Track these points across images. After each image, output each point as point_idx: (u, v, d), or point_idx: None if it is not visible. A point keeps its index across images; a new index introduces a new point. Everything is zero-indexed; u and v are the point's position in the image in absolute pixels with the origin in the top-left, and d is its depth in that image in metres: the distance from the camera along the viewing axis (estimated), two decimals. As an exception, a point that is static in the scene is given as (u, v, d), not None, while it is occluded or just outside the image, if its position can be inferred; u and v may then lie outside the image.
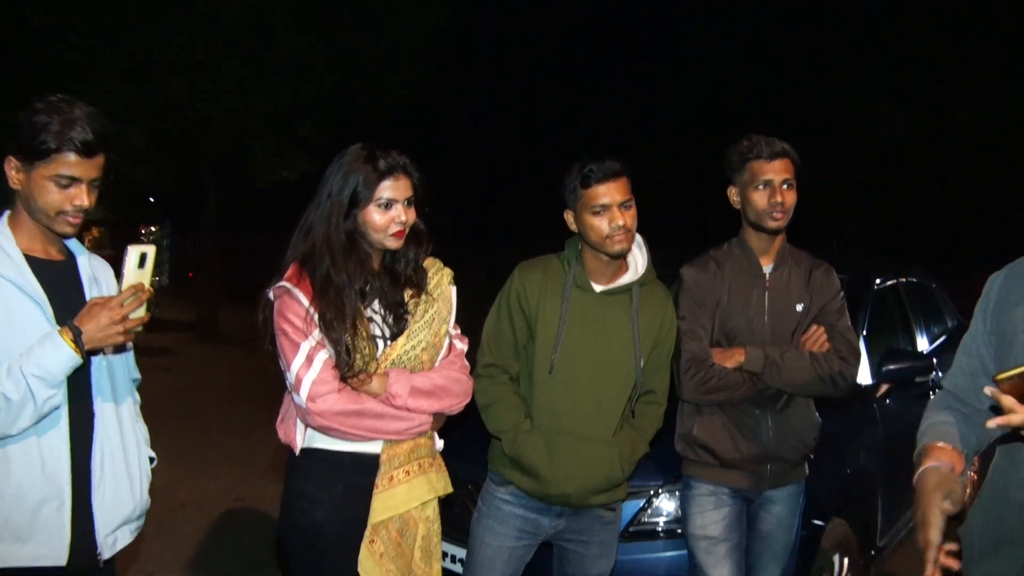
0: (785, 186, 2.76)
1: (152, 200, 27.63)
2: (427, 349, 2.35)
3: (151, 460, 2.27)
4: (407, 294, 2.37)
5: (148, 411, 2.44)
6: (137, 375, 2.31)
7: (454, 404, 2.40)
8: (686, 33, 16.88)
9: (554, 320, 2.59)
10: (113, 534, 2.11)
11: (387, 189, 2.25)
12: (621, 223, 2.51)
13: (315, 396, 2.16)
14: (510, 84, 19.47)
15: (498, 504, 2.68)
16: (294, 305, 2.21)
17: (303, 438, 2.31)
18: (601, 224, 2.52)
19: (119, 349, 2.09)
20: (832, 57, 15.40)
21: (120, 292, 1.93)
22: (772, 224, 2.78)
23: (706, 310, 2.81)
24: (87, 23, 11.34)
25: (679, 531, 3.00)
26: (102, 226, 24.70)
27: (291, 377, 2.19)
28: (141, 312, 1.95)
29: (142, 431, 2.25)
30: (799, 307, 2.83)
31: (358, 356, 2.21)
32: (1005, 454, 1.70)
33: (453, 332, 2.48)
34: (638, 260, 2.68)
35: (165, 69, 11.75)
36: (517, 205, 19.04)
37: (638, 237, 2.67)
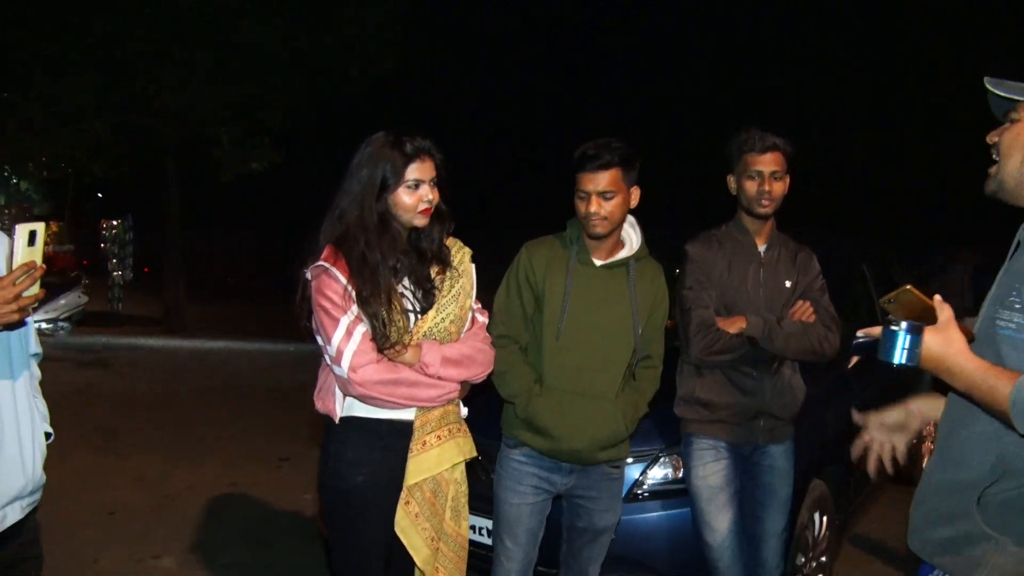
0: (773, 177, 3.09)
1: (100, 196, 27.23)
2: (455, 322, 2.55)
3: (47, 436, 2.20)
4: (434, 271, 2.56)
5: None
6: (37, 350, 2.22)
7: (480, 372, 2.62)
8: (672, 21, 17.05)
9: (560, 292, 2.83)
10: (2, 510, 2.00)
11: (415, 171, 2.43)
12: (594, 210, 2.76)
13: (356, 367, 2.33)
14: (483, 68, 19.56)
15: (514, 466, 2.91)
16: (332, 283, 2.37)
17: (342, 407, 2.48)
18: (581, 207, 2.80)
19: (15, 326, 2.02)
20: (830, 52, 15.66)
21: (11, 271, 1.87)
22: (760, 210, 3.11)
23: (711, 280, 3.14)
24: (51, 16, 11.23)
25: (678, 491, 3.27)
26: (60, 221, 24.39)
27: (332, 350, 2.36)
28: (35, 289, 1.89)
29: (40, 407, 2.18)
30: (788, 284, 3.18)
31: (393, 329, 2.39)
32: (950, 400, 1.94)
33: (475, 306, 2.68)
34: (632, 238, 2.94)
35: (130, 60, 11.68)
36: (496, 190, 19.14)
37: (631, 218, 2.94)
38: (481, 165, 20.89)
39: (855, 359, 4.36)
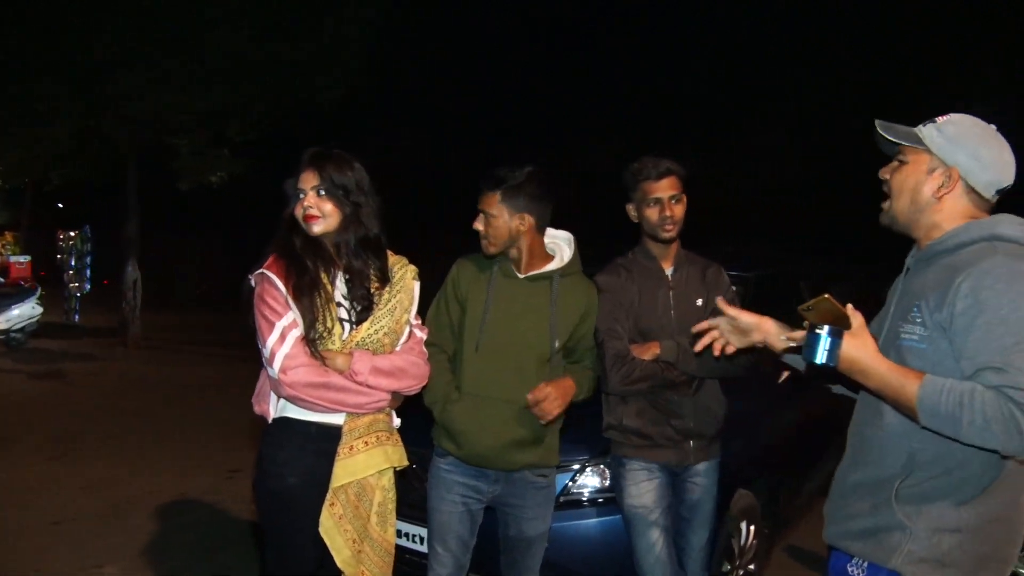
0: (673, 201, 3.21)
1: (60, 206, 26.91)
2: (388, 334, 2.67)
3: None
4: (373, 285, 2.68)
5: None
6: None
7: (412, 385, 2.74)
8: (626, 33, 17.18)
9: (481, 304, 2.98)
10: None
11: (299, 181, 2.62)
12: (480, 227, 2.96)
13: (287, 368, 2.46)
14: (448, 80, 19.67)
15: (442, 474, 3.04)
16: (272, 289, 2.52)
17: (275, 409, 2.61)
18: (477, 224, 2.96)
19: None
20: (782, 61, 15.82)
21: None
22: (665, 235, 3.22)
23: (622, 309, 3.21)
24: (19, 20, 11.18)
25: (604, 500, 3.41)
26: (16, 231, 24.08)
27: (266, 352, 2.49)
28: None
29: None
30: (699, 302, 3.27)
31: (325, 332, 2.53)
32: (860, 398, 2.17)
33: (414, 322, 2.80)
34: (564, 252, 3.06)
35: (98, 66, 11.64)
36: (456, 201, 19.23)
37: (566, 234, 3.11)
38: (454, 173, 20.95)
39: (786, 373, 4.53)
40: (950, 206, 2.01)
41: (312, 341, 2.51)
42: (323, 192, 2.59)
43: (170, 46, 11.66)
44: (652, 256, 3.29)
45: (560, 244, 3.09)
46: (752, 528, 3.99)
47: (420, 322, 2.86)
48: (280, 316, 2.49)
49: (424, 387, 2.91)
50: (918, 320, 1.92)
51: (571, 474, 3.46)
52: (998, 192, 2.03)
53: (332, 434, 2.59)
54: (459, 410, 2.95)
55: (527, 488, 3.02)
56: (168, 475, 6.29)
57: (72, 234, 16.58)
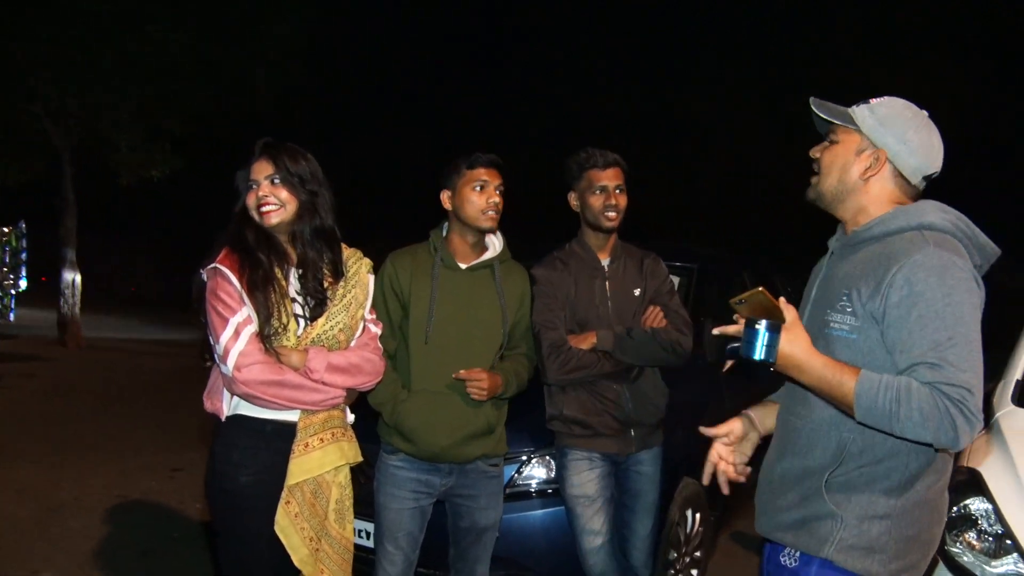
0: (617, 191, 3.29)
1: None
2: (344, 330, 2.64)
3: None
4: (327, 280, 2.66)
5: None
6: None
7: (367, 381, 2.72)
8: (550, 35, 17.21)
9: (426, 296, 2.98)
10: None
11: (252, 172, 2.60)
12: (496, 200, 2.97)
13: (241, 366, 2.42)
14: (392, 78, 19.54)
15: (392, 471, 3.03)
16: (225, 284, 2.47)
17: (229, 406, 2.57)
18: (479, 199, 2.96)
19: None
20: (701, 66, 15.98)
21: None
22: (607, 224, 3.29)
23: (558, 301, 3.27)
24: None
25: (550, 491, 3.44)
26: (-55, 227, 23.27)
27: (220, 349, 2.45)
28: None
29: None
30: (636, 292, 3.34)
31: (280, 328, 2.51)
32: (786, 387, 2.20)
33: (369, 317, 2.78)
34: (495, 242, 3.12)
35: (25, 59, 11.34)
36: (391, 200, 19.13)
37: None
38: (398, 173, 20.89)
39: (730, 363, 4.62)
40: (877, 189, 2.02)
41: (267, 338, 2.49)
42: (277, 180, 2.58)
43: (103, 40, 11.38)
44: (589, 247, 3.35)
45: (489, 235, 3.14)
46: (698, 516, 4.06)
47: (375, 316, 2.85)
48: (234, 312, 2.45)
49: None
50: (848, 310, 1.92)
51: (517, 465, 3.49)
52: (925, 179, 2.03)
53: (287, 431, 2.56)
54: (411, 408, 2.95)
55: (480, 478, 3.05)
56: (108, 477, 6.16)
57: (5, 230, 16.09)
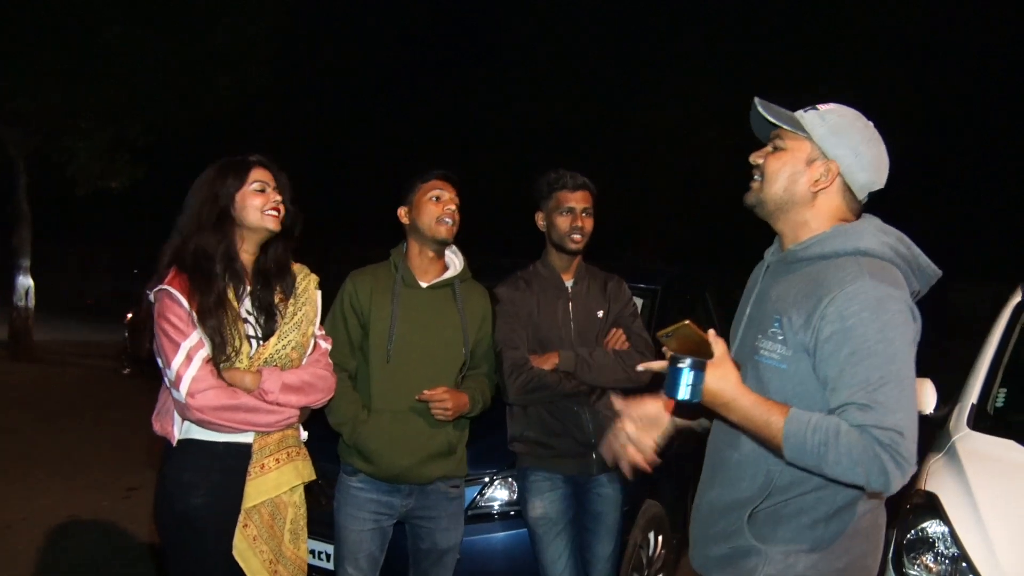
0: (584, 214, 3.33)
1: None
2: (296, 348, 2.63)
3: None
4: (277, 297, 2.64)
5: None
6: None
7: (320, 398, 2.71)
8: (517, 44, 17.23)
9: (386, 315, 2.99)
10: None
11: (258, 174, 2.62)
12: (452, 208, 3.03)
13: (194, 392, 2.39)
14: (351, 85, 19.47)
15: (353, 492, 3.03)
16: (174, 306, 2.43)
17: (180, 430, 2.52)
18: (436, 208, 3.01)
19: None
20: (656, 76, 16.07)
21: None
22: (572, 246, 3.32)
23: (520, 321, 3.29)
24: None
25: (511, 513, 3.45)
26: None
27: (171, 374, 2.40)
28: None
29: None
30: (599, 314, 3.37)
31: (233, 352, 2.47)
32: (716, 424, 2.17)
33: (319, 333, 2.77)
34: (455, 262, 3.16)
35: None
36: (372, 207, 19.02)
37: (453, 246, 3.18)
38: (360, 182, 20.79)
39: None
40: (824, 204, 1.93)
41: (218, 352, 2.46)
42: (276, 189, 2.61)
43: (60, 41, 11.15)
44: (553, 268, 3.38)
45: (450, 255, 3.19)
46: (660, 538, 4.07)
47: (324, 332, 2.83)
48: (185, 336, 2.42)
49: (328, 407, 2.89)
50: (779, 338, 1.85)
51: (479, 487, 3.50)
52: (869, 195, 1.96)
53: (241, 452, 2.54)
54: (371, 428, 2.96)
55: (440, 499, 3.06)
56: (57, 495, 6.01)
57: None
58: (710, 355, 1.83)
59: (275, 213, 2.58)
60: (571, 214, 3.30)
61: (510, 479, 3.49)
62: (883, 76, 14.38)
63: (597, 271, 3.50)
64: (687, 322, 1.85)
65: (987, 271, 14.56)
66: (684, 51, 15.36)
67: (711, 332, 1.87)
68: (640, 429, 2.14)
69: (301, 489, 2.71)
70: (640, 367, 2.06)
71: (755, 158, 2.02)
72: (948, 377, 3.76)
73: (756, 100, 1.97)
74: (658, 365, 1.91)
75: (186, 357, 2.40)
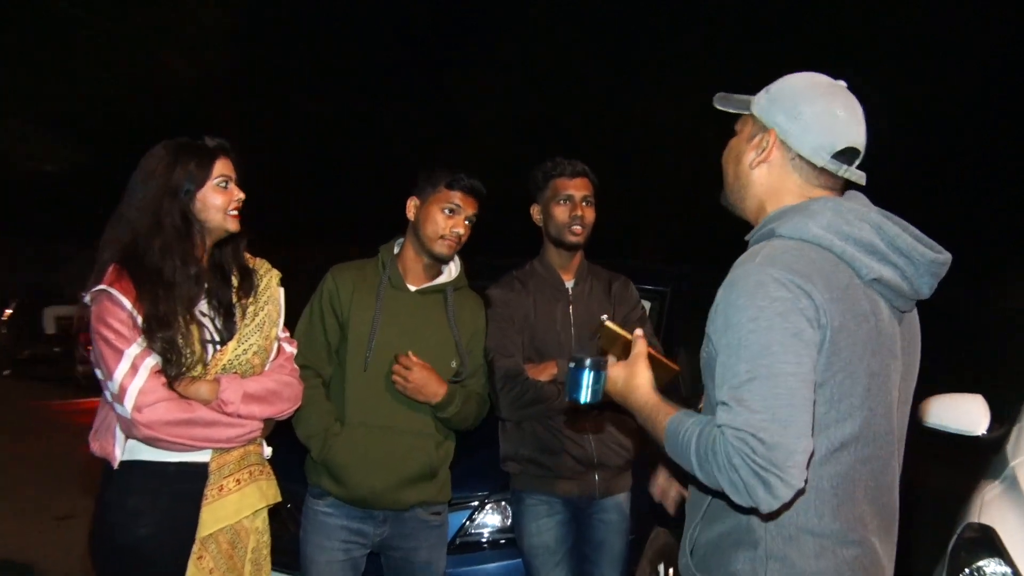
0: (585, 203, 3.21)
1: None
2: (258, 353, 2.50)
3: None
4: (235, 295, 2.51)
5: None
6: None
7: (286, 408, 2.57)
8: (503, 37, 17.25)
9: (367, 318, 2.87)
10: None
11: (222, 167, 2.44)
12: (460, 231, 2.88)
13: (142, 406, 2.23)
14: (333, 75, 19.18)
15: (320, 519, 2.87)
16: (116, 310, 2.27)
17: (123, 450, 2.35)
18: (445, 224, 2.86)
19: None
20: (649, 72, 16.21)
21: None
22: (572, 239, 3.19)
23: (515, 326, 3.16)
24: None
25: (504, 541, 3.32)
26: None
27: (113, 386, 2.25)
28: None
29: None
30: (603, 318, 3.12)
31: (189, 360, 2.32)
32: None
33: (282, 335, 2.64)
34: (451, 266, 3.04)
35: None
36: (339, 203, 18.74)
37: None
38: (328, 176, 20.40)
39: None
40: (772, 180, 1.83)
41: (172, 367, 2.30)
42: (235, 183, 2.47)
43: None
44: (551, 267, 3.27)
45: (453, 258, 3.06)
46: (671, 571, 3.93)
47: (288, 334, 2.71)
48: (129, 342, 2.26)
49: (297, 417, 2.76)
50: (710, 331, 1.76)
51: (468, 512, 3.36)
52: (838, 158, 1.78)
53: (196, 473, 2.39)
54: (343, 443, 2.82)
55: (420, 528, 2.92)
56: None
57: None
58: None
59: (237, 213, 2.46)
60: (570, 203, 3.18)
61: (503, 503, 3.36)
62: (883, 76, 14.67)
63: (601, 270, 3.39)
64: (603, 318, 1.97)
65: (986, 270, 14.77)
66: (684, 51, 15.59)
67: (637, 331, 1.93)
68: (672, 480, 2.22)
69: (265, 513, 2.57)
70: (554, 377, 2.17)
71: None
72: (1001, 393, 3.59)
73: (716, 97, 1.93)
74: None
75: (131, 367, 2.25)
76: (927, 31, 15.26)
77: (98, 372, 2.31)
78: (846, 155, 1.79)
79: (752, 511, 1.64)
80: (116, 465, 2.35)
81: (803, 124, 1.76)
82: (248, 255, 2.61)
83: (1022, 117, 15.07)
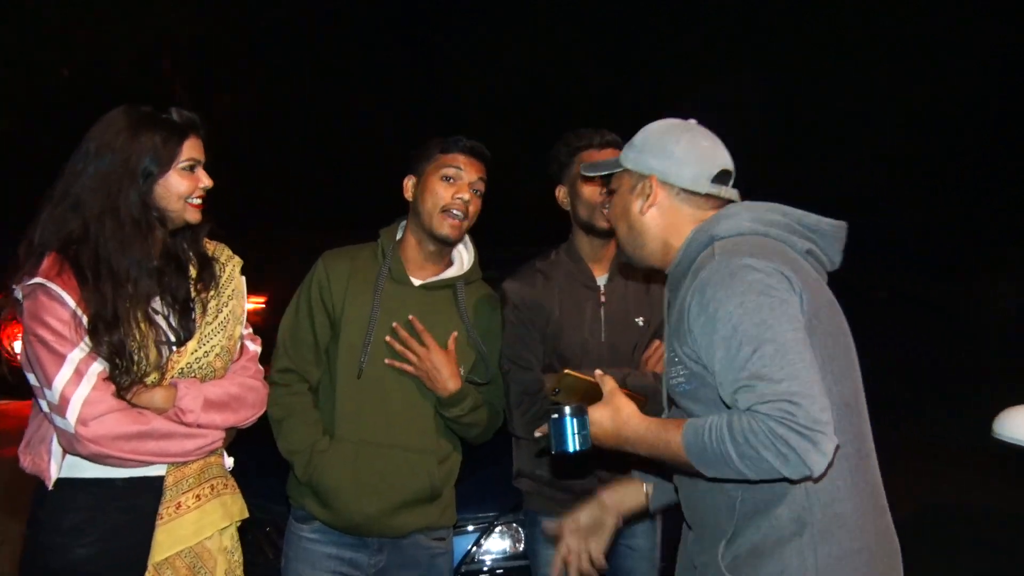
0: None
1: None
2: (220, 355, 2.26)
3: None
4: (194, 289, 2.26)
5: None
6: None
7: (249, 416, 2.33)
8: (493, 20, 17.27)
9: (363, 316, 2.56)
10: None
11: (190, 148, 2.17)
12: (466, 197, 2.56)
13: (87, 418, 1.98)
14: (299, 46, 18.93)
15: (305, 545, 2.58)
16: (55, 307, 2.01)
17: (60, 467, 2.11)
18: (445, 192, 2.55)
19: None
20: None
21: None
22: (602, 223, 2.76)
23: (535, 330, 2.79)
24: None
25: (516, 569, 3.08)
26: None
27: (53, 396, 2.00)
28: None
29: None
30: (639, 321, 2.84)
31: (141, 367, 2.09)
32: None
33: (245, 332, 2.40)
34: (463, 256, 2.73)
35: None
36: (312, 186, 18.50)
37: (465, 236, 2.70)
38: (300, 157, 20.07)
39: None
40: (665, 220, 1.97)
41: (120, 375, 2.05)
42: (202, 167, 2.22)
43: None
44: (581, 258, 2.85)
45: (458, 246, 2.73)
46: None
47: (251, 330, 2.45)
48: (72, 346, 2.00)
49: (279, 429, 2.56)
50: (676, 360, 1.86)
51: (475, 536, 3.13)
52: (718, 181, 1.95)
53: (149, 488, 2.14)
54: (331, 461, 2.52)
55: (419, 555, 2.61)
56: None
57: None
58: (600, 397, 1.92)
59: (200, 203, 2.21)
60: (601, 179, 2.76)
61: (514, 525, 3.14)
62: (883, 76, 14.88)
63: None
64: (566, 371, 1.98)
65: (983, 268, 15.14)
66: (684, 51, 15.69)
67: (597, 372, 1.98)
68: (582, 540, 2.20)
69: (233, 530, 2.33)
70: (537, 432, 2.00)
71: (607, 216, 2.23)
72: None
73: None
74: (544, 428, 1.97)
75: (75, 372, 2.00)
76: (927, 31, 15.46)
77: (31, 378, 2.06)
78: (722, 177, 1.95)
79: (786, 499, 1.70)
80: (50, 484, 2.09)
81: (677, 161, 1.93)
82: (206, 240, 2.36)
83: (1022, 117, 15.23)
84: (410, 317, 2.53)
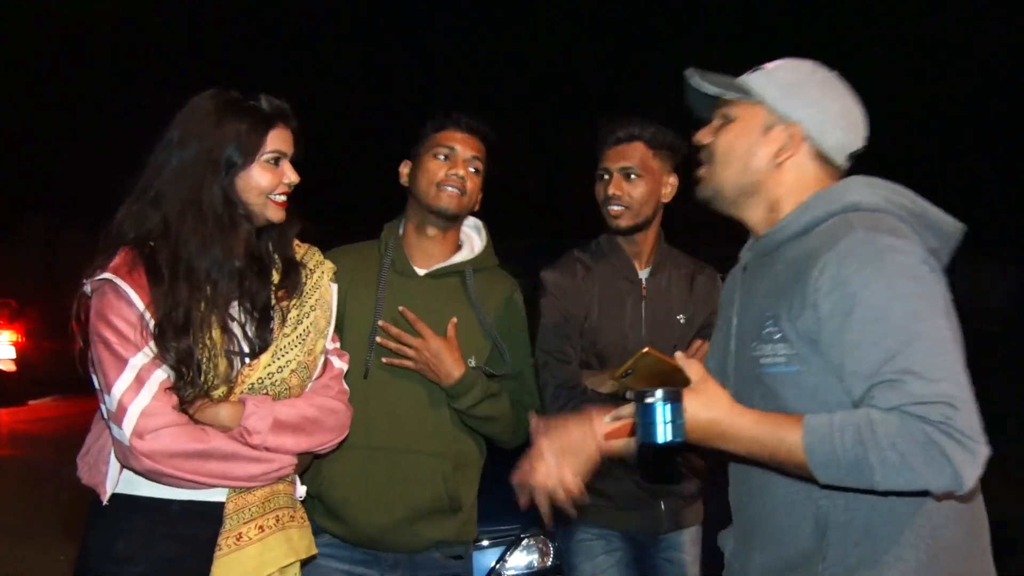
0: (626, 176, 2.75)
1: None
2: (297, 371, 2.11)
3: None
4: (276, 294, 2.14)
5: None
6: None
7: (327, 441, 2.18)
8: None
9: (367, 313, 2.50)
10: None
11: (276, 140, 2.07)
12: (461, 173, 2.50)
13: (143, 431, 1.86)
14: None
15: (317, 561, 2.42)
16: (122, 306, 1.92)
17: (115, 481, 1.99)
18: (439, 169, 2.51)
19: None
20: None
21: None
22: (611, 223, 2.77)
23: (575, 324, 2.77)
24: None
25: None
26: None
27: (111, 403, 1.89)
28: None
29: None
30: (680, 318, 2.83)
31: (209, 378, 1.97)
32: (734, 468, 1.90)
33: (331, 347, 2.26)
34: (474, 241, 2.68)
35: None
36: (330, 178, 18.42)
37: (477, 220, 2.70)
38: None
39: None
40: (794, 176, 1.77)
41: (185, 387, 1.93)
42: (290, 161, 2.12)
43: None
44: (621, 250, 2.83)
45: (468, 232, 2.69)
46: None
47: (338, 345, 2.32)
48: (136, 349, 1.90)
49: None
50: (777, 337, 1.66)
51: (500, 551, 3.10)
52: (850, 157, 1.80)
53: (208, 515, 2.01)
54: (340, 471, 2.44)
55: (438, 572, 2.54)
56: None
57: None
58: (686, 382, 1.67)
59: (284, 199, 2.09)
60: (606, 178, 2.77)
61: (542, 537, 3.11)
62: (883, 76, 14.96)
63: (683, 258, 2.93)
64: (646, 350, 1.72)
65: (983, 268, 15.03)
66: (684, 51, 15.79)
67: (679, 355, 1.73)
68: (559, 461, 1.88)
69: (297, 568, 2.14)
70: (606, 417, 1.82)
71: (702, 137, 1.87)
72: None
73: (688, 72, 1.83)
74: (627, 410, 1.75)
75: (135, 380, 1.89)
76: (927, 31, 15.42)
77: (94, 380, 1.97)
78: (854, 155, 1.81)
79: (906, 517, 1.56)
80: (105, 500, 1.99)
81: (831, 120, 1.75)
82: (296, 242, 2.24)
83: (1022, 117, 15.28)
84: (400, 308, 2.44)
